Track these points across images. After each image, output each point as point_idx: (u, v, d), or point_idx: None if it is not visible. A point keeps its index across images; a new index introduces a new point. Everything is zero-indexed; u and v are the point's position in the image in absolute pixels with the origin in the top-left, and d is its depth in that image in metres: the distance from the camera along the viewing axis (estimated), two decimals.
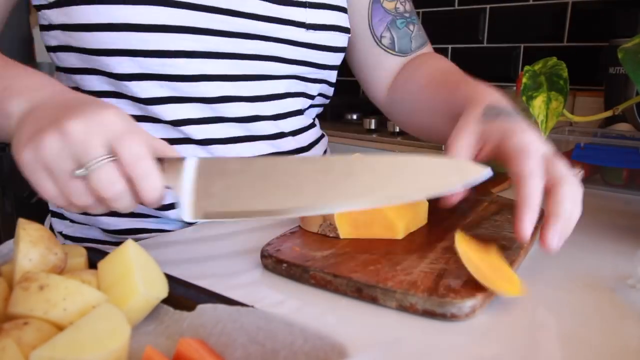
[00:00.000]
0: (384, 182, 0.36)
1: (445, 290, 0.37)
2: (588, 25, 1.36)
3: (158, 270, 0.34)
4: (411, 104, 0.66)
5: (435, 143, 0.73)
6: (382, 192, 0.36)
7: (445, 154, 0.45)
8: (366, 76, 0.73)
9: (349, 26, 0.67)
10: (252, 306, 0.31)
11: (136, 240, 0.61)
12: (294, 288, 0.42)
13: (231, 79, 0.57)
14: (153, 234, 0.60)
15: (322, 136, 0.74)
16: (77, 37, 0.53)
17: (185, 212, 0.37)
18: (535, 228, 0.52)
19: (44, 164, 0.36)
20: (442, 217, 0.54)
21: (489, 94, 0.50)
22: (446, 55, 1.62)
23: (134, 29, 0.51)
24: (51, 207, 0.66)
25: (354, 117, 1.53)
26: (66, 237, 0.64)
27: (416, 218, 0.51)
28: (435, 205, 0.52)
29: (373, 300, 0.39)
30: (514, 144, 0.42)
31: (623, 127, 0.93)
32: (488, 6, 1.52)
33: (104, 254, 0.37)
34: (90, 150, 0.36)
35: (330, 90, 0.72)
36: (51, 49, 0.58)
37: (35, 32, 1.89)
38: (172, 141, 0.57)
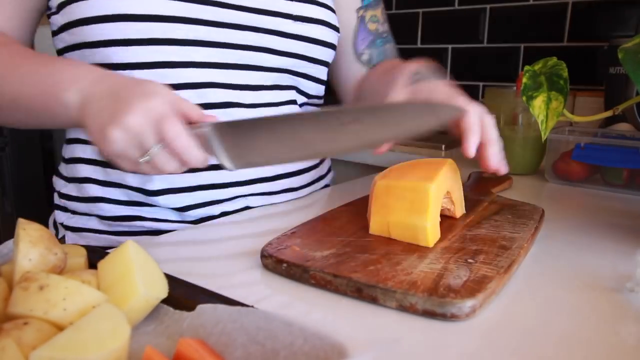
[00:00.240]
0: (375, 128, 0.46)
1: (445, 290, 0.37)
2: (588, 25, 1.36)
3: (158, 270, 0.34)
4: (361, 95, 0.77)
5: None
6: (373, 136, 0.46)
7: None
8: (342, 85, 0.82)
9: (337, 25, 0.70)
10: (252, 306, 0.31)
11: (131, 232, 0.62)
12: (294, 288, 0.42)
13: (219, 67, 0.59)
14: (147, 223, 0.62)
15: None
16: (77, 32, 0.56)
17: (227, 163, 0.46)
18: (536, 228, 0.52)
19: (117, 155, 0.45)
20: (442, 217, 0.54)
21: (415, 64, 0.59)
22: (446, 55, 1.62)
23: (127, 19, 0.54)
24: (55, 201, 0.68)
25: None
26: (67, 227, 0.66)
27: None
28: None
29: (373, 300, 0.39)
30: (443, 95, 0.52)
31: (623, 127, 0.93)
32: (488, 6, 1.52)
33: (104, 254, 0.37)
34: (146, 140, 0.44)
35: (321, 90, 0.74)
36: (60, 51, 0.61)
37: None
38: None
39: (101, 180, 0.62)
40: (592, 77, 1.34)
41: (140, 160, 0.45)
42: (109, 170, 0.61)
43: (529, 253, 0.49)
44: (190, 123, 0.46)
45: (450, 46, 1.61)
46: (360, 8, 0.77)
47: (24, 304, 0.28)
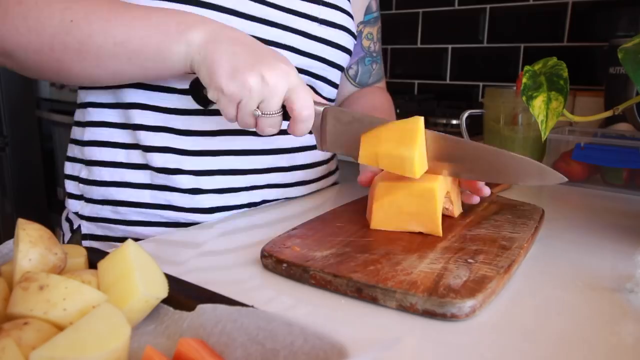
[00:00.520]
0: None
1: (445, 290, 0.37)
2: (588, 25, 1.36)
3: (158, 270, 0.34)
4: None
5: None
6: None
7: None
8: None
9: (355, 31, 0.72)
10: (252, 306, 0.31)
11: (144, 222, 0.62)
12: (294, 288, 0.42)
13: None
14: (161, 211, 0.62)
15: None
16: None
17: (320, 146, 0.53)
18: (536, 228, 0.52)
19: (238, 98, 0.48)
20: (442, 217, 0.54)
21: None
22: (446, 55, 1.62)
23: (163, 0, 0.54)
24: (68, 190, 0.68)
25: None
26: (82, 217, 0.66)
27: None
28: None
29: (373, 300, 0.39)
30: None
31: (623, 127, 0.93)
32: (488, 6, 1.52)
33: (104, 253, 0.37)
34: (274, 99, 0.48)
35: (334, 93, 0.75)
36: None
37: None
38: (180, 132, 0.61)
39: (124, 163, 0.62)
40: (592, 77, 1.34)
41: (256, 114, 0.48)
42: (131, 152, 0.61)
43: (529, 253, 0.49)
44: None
45: (450, 46, 1.61)
46: (361, 22, 0.79)
47: (24, 304, 0.28)
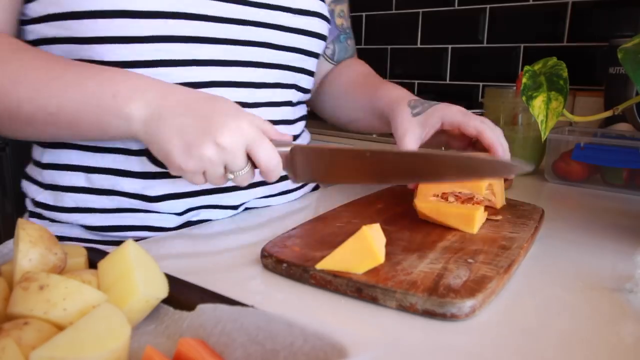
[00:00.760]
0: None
1: (445, 290, 0.37)
2: (588, 25, 1.36)
3: (158, 270, 0.34)
4: (335, 101, 0.80)
5: (355, 131, 0.85)
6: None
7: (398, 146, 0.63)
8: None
9: (328, 15, 0.70)
10: (252, 306, 0.31)
11: (123, 239, 0.60)
12: (294, 288, 0.42)
13: (221, 64, 0.58)
14: (138, 232, 0.59)
15: (303, 131, 0.75)
16: (64, 26, 0.52)
17: (294, 180, 0.53)
18: (535, 228, 0.52)
19: (203, 170, 0.47)
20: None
21: (401, 93, 0.68)
22: (446, 56, 1.62)
23: (130, 16, 0.52)
24: (29, 207, 0.64)
25: None
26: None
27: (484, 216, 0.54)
28: None
29: (373, 300, 0.39)
30: (457, 119, 0.61)
31: (623, 127, 0.93)
32: (488, 6, 1.52)
33: (104, 254, 0.37)
34: (237, 160, 0.47)
35: (312, 82, 0.73)
36: (30, 43, 0.55)
37: None
38: None
39: (87, 188, 0.58)
40: (592, 77, 1.34)
41: (229, 177, 0.49)
42: (94, 177, 0.57)
43: (529, 253, 0.49)
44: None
45: (450, 46, 1.61)
46: (332, 2, 0.77)
47: (24, 304, 0.28)
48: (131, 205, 0.58)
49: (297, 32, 0.63)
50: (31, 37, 0.56)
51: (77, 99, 0.48)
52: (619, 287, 0.42)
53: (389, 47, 1.74)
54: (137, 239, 0.58)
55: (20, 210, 0.69)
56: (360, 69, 0.81)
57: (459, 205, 0.53)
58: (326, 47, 0.80)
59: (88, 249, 0.40)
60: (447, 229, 0.51)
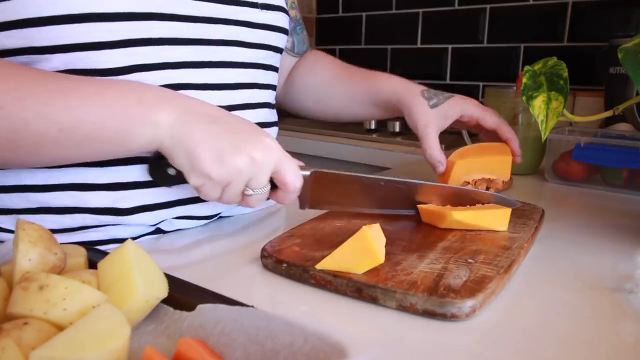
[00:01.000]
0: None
1: (445, 290, 0.37)
2: (588, 25, 1.36)
3: (158, 270, 0.34)
4: (317, 95, 0.81)
5: (344, 121, 0.85)
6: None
7: (421, 141, 0.70)
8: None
9: (287, 9, 0.69)
10: (252, 306, 0.31)
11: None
12: (294, 288, 0.42)
13: (194, 66, 0.55)
14: (103, 246, 0.54)
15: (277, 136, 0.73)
16: (25, 35, 0.46)
17: (302, 206, 0.54)
18: (536, 228, 0.52)
19: (229, 181, 0.47)
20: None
21: (401, 82, 0.75)
22: (446, 55, 1.62)
23: (95, 19, 0.47)
24: None
25: None
26: None
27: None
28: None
29: (373, 300, 0.39)
30: (478, 114, 0.70)
31: (623, 127, 0.93)
32: (488, 6, 1.52)
33: (104, 253, 0.37)
34: (263, 177, 0.47)
35: (277, 77, 0.71)
36: None
37: None
38: None
39: (44, 208, 0.52)
40: (592, 77, 1.34)
41: (248, 193, 0.48)
42: (53, 195, 0.52)
43: (529, 253, 0.49)
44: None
45: (450, 46, 1.61)
46: None
47: (23, 304, 0.28)
48: (98, 222, 0.53)
49: (264, 28, 0.62)
50: None
51: (98, 110, 0.44)
52: (619, 287, 0.42)
53: (389, 47, 1.74)
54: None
55: None
56: (332, 60, 0.83)
57: (481, 207, 0.54)
58: (286, 41, 0.77)
59: (88, 248, 0.40)
60: (447, 229, 0.51)
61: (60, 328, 0.28)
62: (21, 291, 0.29)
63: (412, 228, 0.52)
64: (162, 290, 0.33)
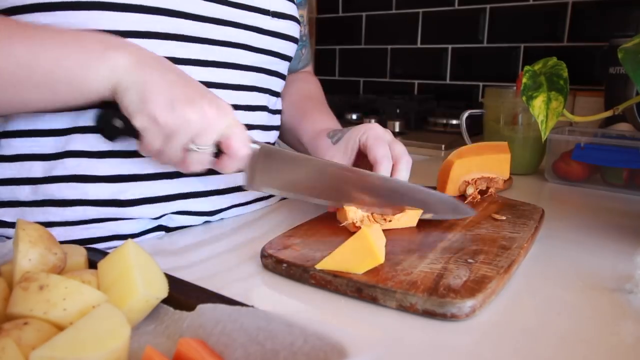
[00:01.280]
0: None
1: (445, 290, 0.37)
2: (588, 25, 1.36)
3: (158, 270, 0.34)
4: (282, 116, 0.78)
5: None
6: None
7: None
8: None
9: (299, 19, 0.70)
10: (252, 306, 0.31)
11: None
12: (294, 288, 0.42)
13: (200, 64, 0.56)
14: (104, 244, 0.54)
15: (275, 142, 0.73)
16: (36, 19, 0.47)
17: (249, 184, 0.51)
18: (536, 228, 0.52)
19: (172, 130, 0.45)
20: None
21: (322, 125, 0.69)
22: (446, 55, 1.62)
23: (106, 8, 0.48)
24: None
25: (354, 117, 1.53)
26: None
27: None
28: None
29: (373, 300, 0.39)
30: (368, 142, 0.58)
31: (623, 127, 0.93)
32: (488, 6, 1.52)
33: (104, 253, 0.37)
34: (210, 135, 0.46)
35: (282, 85, 0.72)
36: None
37: None
38: None
39: (48, 201, 0.53)
40: (592, 77, 1.34)
41: (191, 147, 0.46)
42: (52, 186, 0.52)
43: (529, 253, 0.49)
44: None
45: (450, 46, 1.61)
46: None
47: (23, 304, 0.28)
48: (98, 215, 0.53)
49: (273, 35, 0.63)
50: None
51: (57, 47, 0.44)
52: (619, 287, 0.42)
53: (389, 47, 1.74)
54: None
55: None
56: (303, 88, 0.81)
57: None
58: None
59: (88, 248, 0.40)
60: (447, 228, 0.51)
61: (60, 328, 0.28)
62: (21, 291, 0.29)
63: (412, 228, 0.52)
64: (162, 290, 0.33)
